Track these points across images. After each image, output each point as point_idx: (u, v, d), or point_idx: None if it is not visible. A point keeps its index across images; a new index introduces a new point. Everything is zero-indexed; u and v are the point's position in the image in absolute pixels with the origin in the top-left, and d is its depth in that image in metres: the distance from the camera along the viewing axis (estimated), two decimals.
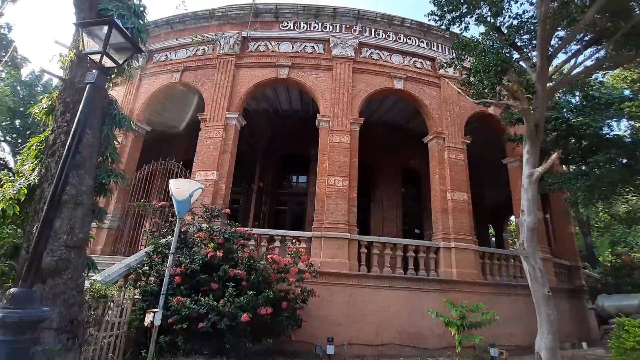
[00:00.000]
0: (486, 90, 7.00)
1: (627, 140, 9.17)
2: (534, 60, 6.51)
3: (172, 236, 5.60)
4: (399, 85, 10.89)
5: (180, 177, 10.11)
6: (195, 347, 5.62)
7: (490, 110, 11.17)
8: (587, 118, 8.37)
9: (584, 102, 8.93)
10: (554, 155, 5.93)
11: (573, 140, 9.22)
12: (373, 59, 11.17)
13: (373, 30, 11.52)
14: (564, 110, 9.35)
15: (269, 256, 7.14)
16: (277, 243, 8.84)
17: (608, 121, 8.42)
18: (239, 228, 7.48)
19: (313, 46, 11.09)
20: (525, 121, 6.17)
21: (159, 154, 11.26)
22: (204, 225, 7.42)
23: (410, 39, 11.69)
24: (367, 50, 11.20)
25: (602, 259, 25.33)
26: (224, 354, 5.74)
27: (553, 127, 8.81)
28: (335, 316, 8.32)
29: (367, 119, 10.94)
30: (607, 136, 8.39)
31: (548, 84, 6.32)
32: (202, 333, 5.57)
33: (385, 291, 8.75)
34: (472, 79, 7.36)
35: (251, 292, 5.90)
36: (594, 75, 9.97)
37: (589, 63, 6.85)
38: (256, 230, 8.85)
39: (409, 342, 8.46)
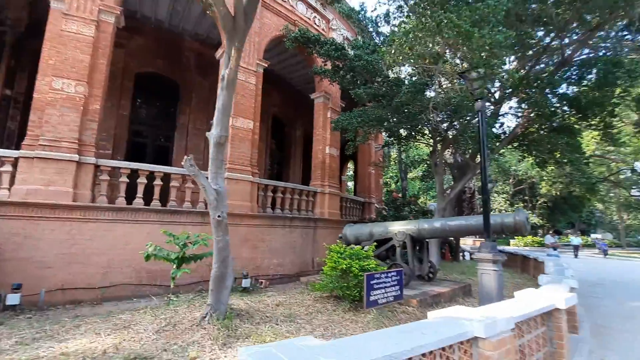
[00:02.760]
0: None
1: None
2: None
3: None
4: None
5: None
6: None
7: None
8: (360, 51, 8.14)
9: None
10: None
11: (349, 76, 9.11)
12: None
13: None
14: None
15: None
16: None
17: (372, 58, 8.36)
18: None
19: None
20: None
21: None
22: None
23: None
24: None
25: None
26: None
27: (326, 53, 8.39)
28: (44, 258, 6.44)
29: None
30: (374, 71, 8.43)
31: None
32: None
33: (124, 226, 7.26)
34: None
35: None
36: None
37: None
38: None
39: (151, 281, 7.40)
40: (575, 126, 9.23)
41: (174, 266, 5.99)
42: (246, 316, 4.75)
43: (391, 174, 41.32)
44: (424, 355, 2.33)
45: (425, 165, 18.22)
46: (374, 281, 4.85)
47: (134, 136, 12.26)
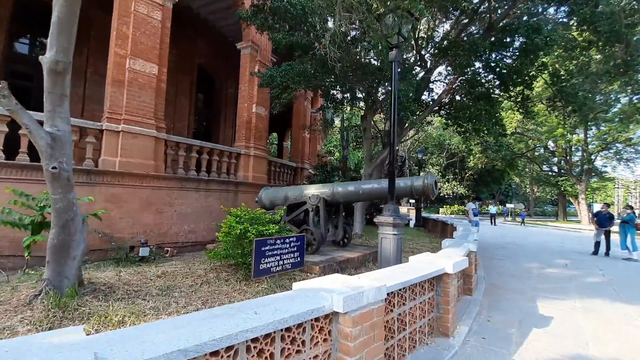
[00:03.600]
0: None
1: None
2: None
3: None
4: None
5: None
6: None
7: None
8: None
9: None
10: None
11: (271, 20, 8.05)
12: None
13: None
14: None
15: None
16: None
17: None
18: None
19: None
20: None
21: None
22: None
23: None
24: None
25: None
26: None
27: None
28: None
29: None
30: (297, 17, 7.49)
31: None
32: None
33: None
34: None
35: None
36: None
37: None
38: None
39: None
40: (495, 95, 9.43)
41: (28, 233, 4.83)
42: (106, 291, 3.93)
43: (335, 143, 41.38)
44: (255, 340, 1.79)
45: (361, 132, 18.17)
46: (267, 247, 4.31)
47: (14, 78, 9.96)
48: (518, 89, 9.32)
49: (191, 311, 3.63)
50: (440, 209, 44.05)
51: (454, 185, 44.75)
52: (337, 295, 2.18)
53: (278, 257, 4.46)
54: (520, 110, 9.93)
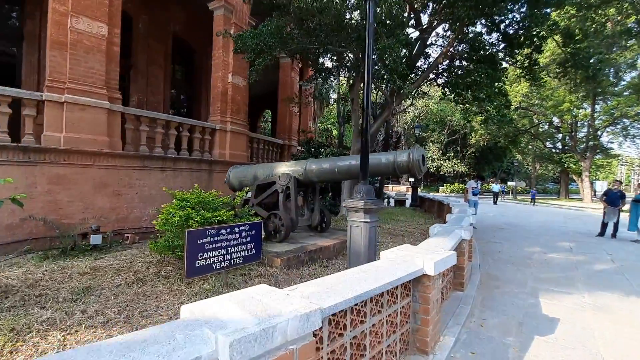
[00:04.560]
0: None
1: None
2: None
3: None
4: None
5: None
6: None
7: None
8: None
9: None
10: None
11: None
12: None
13: None
14: None
15: None
16: None
17: None
18: None
19: None
20: None
21: None
22: None
23: None
24: None
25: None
26: None
27: None
28: None
29: None
30: None
31: None
32: None
33: None
34: None
35: None
36: None
37: None
38: None
39: None
40: (499, 56, 8.29)
41: None
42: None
43: (333, 120, 39.92)
44: None
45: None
46: (206, 239, 3.47)
47: None
48: (526, 51, 8.18)
49: (98, 324, 2.83)
50: (440, 187, 43.13)
51: (455, 164, 43.70)
52: (227, 337, 1.32)
53: (223, 251, 3.63)
54: (527, 77, 8.80)
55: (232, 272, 4.11)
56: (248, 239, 3.94)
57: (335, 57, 10.17)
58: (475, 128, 38.18)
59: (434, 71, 9.11)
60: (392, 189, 42.17)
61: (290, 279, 4.25)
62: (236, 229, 3.78)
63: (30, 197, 6.02)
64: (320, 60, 11.48)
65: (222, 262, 3.64)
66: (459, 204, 9.51)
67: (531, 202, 27.04)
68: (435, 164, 44.18)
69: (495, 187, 27.16)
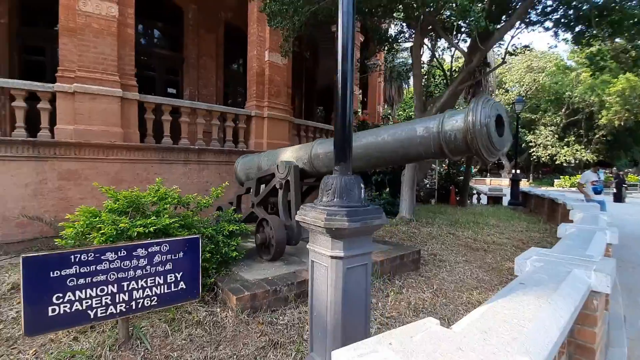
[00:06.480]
0: None
1: None
2: None
3: None
4: None
5: None
6: None
7: None
8: None
9: None
10: None
11: None
12: None
13: None
14: None
15: None
16: None
17: None
18: None
19: None
20: None
21: None
22: None
23: None
24: None
25: None
26: None
27: None
28: None
29: None
30: None
31: None
32: None
33: None
34: None
35: None
36: None
37: None
38: None
39: None
40: None
41: None
42: None
43: (411, 104, 36.21)
44: None
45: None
46: (65, 271, 2.06)
47: None
48: None
49: None
50: (556, 180, 34.98)
51: (576, 150, 35.10)
52: None
53: (113, 287, 2.20)
54: None
55: (149, 316, 2.65)
56: (170, 267, 2.41)
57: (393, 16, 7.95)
58: (607, 104, 29.82)
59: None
60: (490, 183, 35.88)
61: (246, 333, 2.57)
62: (141, 251, 2.28)
63: (41, 194, 5.72)
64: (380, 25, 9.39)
65: (112, 307, 2.19)
66: (581, 205, 6.32)
67: None
68: (549, 151, 36.27)
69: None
